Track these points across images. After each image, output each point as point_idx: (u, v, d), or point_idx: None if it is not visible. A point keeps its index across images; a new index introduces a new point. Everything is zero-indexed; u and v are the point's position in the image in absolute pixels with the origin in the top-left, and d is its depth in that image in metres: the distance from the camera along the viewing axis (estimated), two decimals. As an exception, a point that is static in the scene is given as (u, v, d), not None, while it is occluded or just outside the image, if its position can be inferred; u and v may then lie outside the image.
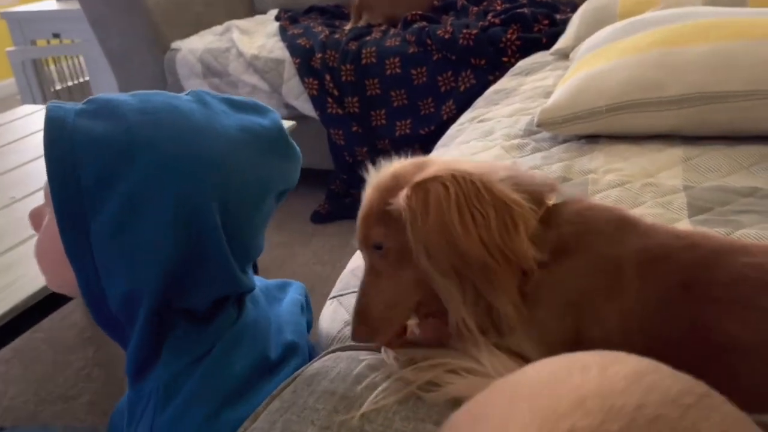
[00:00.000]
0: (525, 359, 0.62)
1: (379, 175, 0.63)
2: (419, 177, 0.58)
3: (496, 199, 0.57)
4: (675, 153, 1.07)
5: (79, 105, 0.64)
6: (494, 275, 0.56)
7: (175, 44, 2.52)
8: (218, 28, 2.62)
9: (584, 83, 1.16)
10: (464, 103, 1.95)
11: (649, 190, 0.98)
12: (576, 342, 0.57)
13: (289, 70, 2.27)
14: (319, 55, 2.22)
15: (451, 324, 0.60)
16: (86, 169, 0.60)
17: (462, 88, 2.05)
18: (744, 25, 1.13)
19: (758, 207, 0.92)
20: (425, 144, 2.12)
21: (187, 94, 0.69)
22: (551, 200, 0.61)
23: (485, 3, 2.31)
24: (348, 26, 2.43)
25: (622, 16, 1.63)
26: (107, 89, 2.94)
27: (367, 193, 0.63)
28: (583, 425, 0.37)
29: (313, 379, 0.66)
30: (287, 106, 2.33)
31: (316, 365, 0.68)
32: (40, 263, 0.71)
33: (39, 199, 1.33)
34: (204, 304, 0.67)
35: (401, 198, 0.58)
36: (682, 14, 1.26)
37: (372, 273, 0.63)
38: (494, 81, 1.86)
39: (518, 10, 2.05)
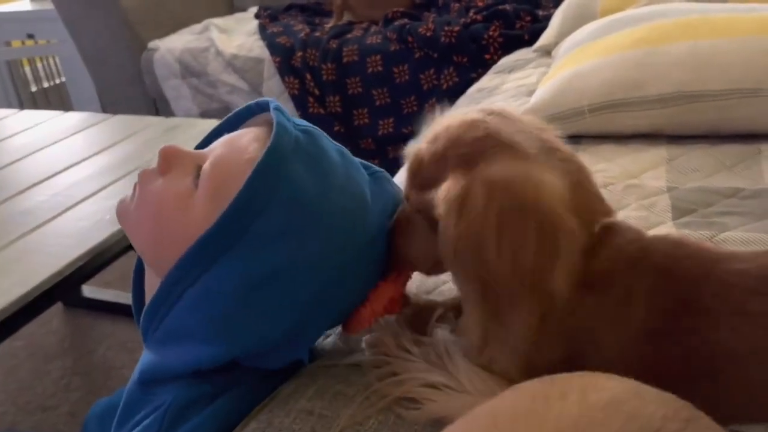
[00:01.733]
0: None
1: (438, 131, 0.58)
2: (467, 174, 0.53)
3: (545, 222, 0.51)
4: (658, 153, 1.06)
5: (301, 133, 0.60)
6: (518, 301, 0.52)
7: (153, 44, 2.48)
8: (197, 27, 2.58)
9: (566, 83, 1.15)
10: (447, 101, 1.93)
11: (632, 192, 0.97)
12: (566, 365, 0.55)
13: (269, 69, 2.24)
14: (300, 54, 2.19)
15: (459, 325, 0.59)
16: (271, 215, 0.56)
17: (445, 86, 2.04)
18: (723, 23, 1.12)
19: (741, 208, 0.91)
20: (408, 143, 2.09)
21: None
22: (599, 227, 0.56)
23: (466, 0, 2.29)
24: (329, 24, 2.40)
25: (603, 12, 1.61)
26: (84, 90, 2.89)
27: (422, 147, 0.58)
28: (564, 461, 0.35)
29: (290, 399, 0.64)
30: (268, 105, 2.29)
31: (292, 384, 0.66)
32: (147, 218, 0.61)
33: (10, 206, 1.30)
34: (267, 366, 0.64)
35: (441, 192, 0.54)
36: (662, 11, 1.25)
37: (409, 223, 0.63)
38: (477, 78, 1.84)
39: (500, 7, 2.03)
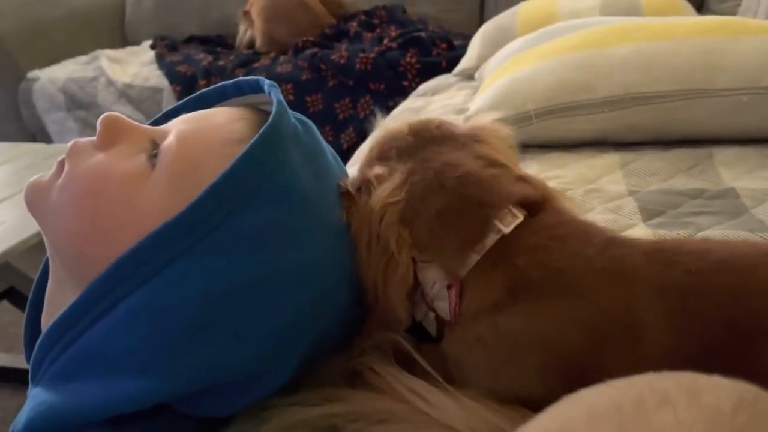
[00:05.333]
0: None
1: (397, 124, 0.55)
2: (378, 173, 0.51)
3: (382, 238, 0.48)
4: (611, 158, 1.00)
5: (298, 122, 0.50)
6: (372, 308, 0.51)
7: (32, 74, 2.23)
8: (83, 58, 2.36)
9: (507, 89, 1.07)
10: (365, 130, 1.83)
11: (594, 196, 0.89)
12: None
13: (169, 98, 2.06)
14: (203, 83, 2.03)
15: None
16: (258, 208, 0.43)
17: (362, 115, 1.94)
18: (660, 27, 1.09)
19: (710, 208, 0.85)
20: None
21: None
22: (511, 223, 0.47)
23: (379, 30, 2.24)
24: (239, 35, 2.25)
25: (522, 35, 1.59)
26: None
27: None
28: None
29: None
30: (167, 139, 2.10)
31: (232, 430, 0.49)
32: (78, 201, 0.45)
33: None
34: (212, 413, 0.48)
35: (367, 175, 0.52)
36: (593, 22, 1.22)
37: None
38: (395, 106, 1.76)
39: (415, 34, 1.98)
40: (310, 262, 0.46)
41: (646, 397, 0.29)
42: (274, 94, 0.50)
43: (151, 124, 0.56)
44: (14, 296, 1.46)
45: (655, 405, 0.28)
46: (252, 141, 0.45)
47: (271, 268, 0.43)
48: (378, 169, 0.51)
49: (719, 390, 0.29)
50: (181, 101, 0.58)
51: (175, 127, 0.48)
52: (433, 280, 0.50)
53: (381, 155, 0.52)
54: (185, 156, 0.45)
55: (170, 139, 0.46)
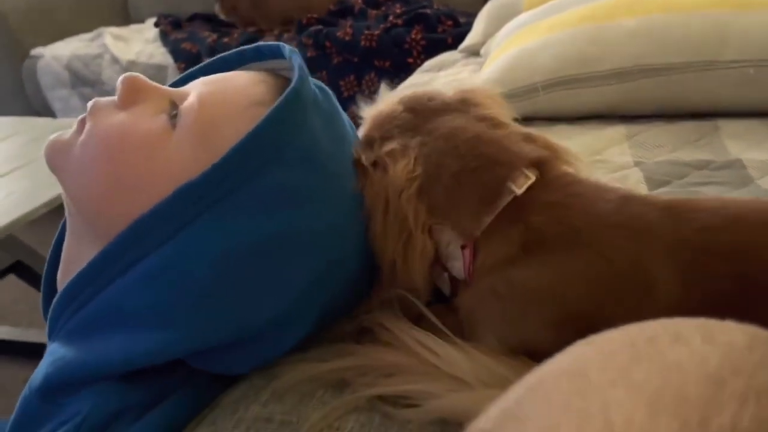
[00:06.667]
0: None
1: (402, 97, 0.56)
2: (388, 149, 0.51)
3: (400, 214, 0.49)
4: (617, 130, 1.00)
5: (317, 88, 0.51)
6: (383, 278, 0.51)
7: (36, 51, 2.23)
8: (87, 35, 2.35)
9: (515, 60, 1.07)
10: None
11: (600, 167, 0.90)
12: None
13: (173, 76, 2.05)
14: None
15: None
16: (281, 169, 0.45)
17: (367, 92, 1.93)
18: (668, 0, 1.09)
19: (716, 178, 0.85)
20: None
21: None
22: (523, 184, 0.48)
23: (384, 8, 2.23)
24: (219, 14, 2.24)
25: (527, 10, 1.58)
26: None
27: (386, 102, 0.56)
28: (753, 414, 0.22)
29: (239, 405, 0.48)
30: (172, 116, 2.10)
31: (241, 387, 0.50)
32: (100, 158, 0.46)
33: None
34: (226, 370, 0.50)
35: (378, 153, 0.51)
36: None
37: None
38: (400, 83, 1.76)
39: (420, 11, 1.97)
40: (327, 224, 0.47)
41: (660, 335, 0.29)
42: (295, 60, 0.50)
43: (170, 86, 0.57)
44: (21, 270, 1.47)
45: (668, 341, 0.29)
46: (275, 104, 0.46)
47: (289, 229, 0.45)
48: (390, 145, 0.51)
49: (733, 329, 0.30)
50: (200, 65, 0.58)
51: (196, 88, 0.48)
52: (448, 240, 0.51)
53: (383, 135, 0.53)
54: (207, 117, 0.46)
55: (191, 100, 0.47)
